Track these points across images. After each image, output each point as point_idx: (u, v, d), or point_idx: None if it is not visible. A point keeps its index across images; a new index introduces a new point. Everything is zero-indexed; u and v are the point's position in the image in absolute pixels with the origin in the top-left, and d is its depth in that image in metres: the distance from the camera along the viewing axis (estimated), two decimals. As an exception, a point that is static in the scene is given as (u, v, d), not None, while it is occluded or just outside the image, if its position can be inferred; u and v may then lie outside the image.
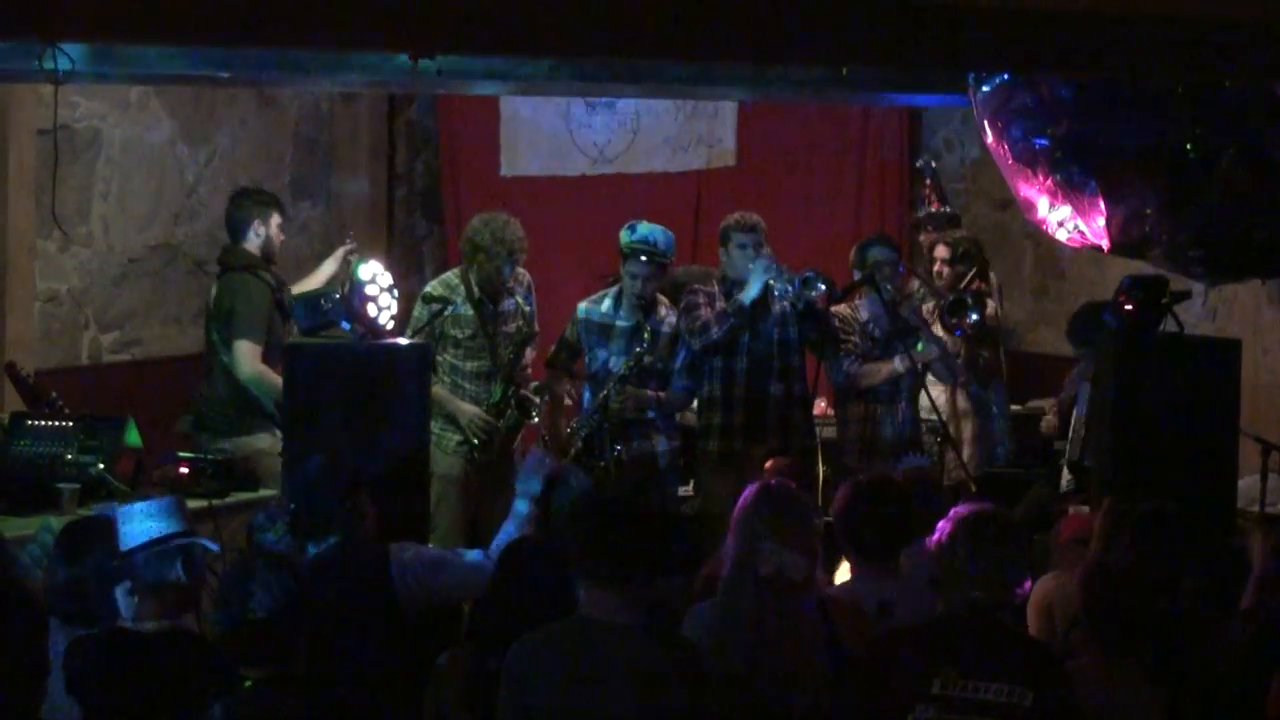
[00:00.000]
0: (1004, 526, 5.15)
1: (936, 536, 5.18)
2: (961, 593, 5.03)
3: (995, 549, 5.04)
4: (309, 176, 11.96)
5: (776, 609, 5.30)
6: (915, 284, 10.15)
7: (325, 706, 4.94)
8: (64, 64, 6.67)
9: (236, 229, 8.84)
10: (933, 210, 10.94)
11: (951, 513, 5.22)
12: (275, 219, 8.87)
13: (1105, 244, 8.01)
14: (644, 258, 8.84)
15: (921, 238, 11.04)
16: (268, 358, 8.51)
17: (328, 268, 9.32)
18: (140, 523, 5.44)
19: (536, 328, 9.15)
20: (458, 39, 6.82)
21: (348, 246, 9.39)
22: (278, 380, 8.28)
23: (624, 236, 8.91)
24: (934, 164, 11.15)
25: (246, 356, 8.49)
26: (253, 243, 8.77)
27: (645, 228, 8.88)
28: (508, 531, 6.44)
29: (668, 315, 9.06)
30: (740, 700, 5.24)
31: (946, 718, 4.84)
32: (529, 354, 9.15)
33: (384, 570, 6.14)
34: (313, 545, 6.20)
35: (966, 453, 9.76)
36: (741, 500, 5.58)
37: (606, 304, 9.08)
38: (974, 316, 9.40)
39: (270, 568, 5.02)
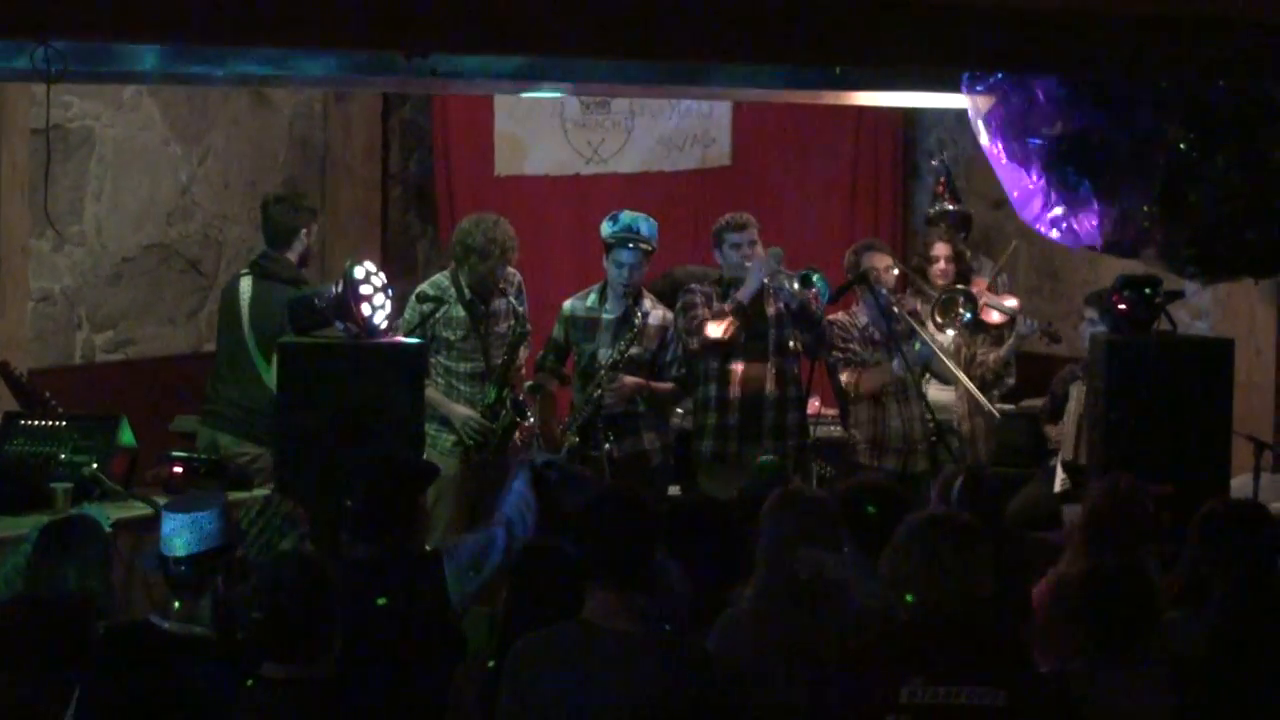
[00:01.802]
0: (958, 530, 5.07)
1: (893, 540, 5.13)
2: (922, 599, 4.96)
3: (952, 553, 4.95)
4: (303, 176, 11.93)
5: (812, 612, 5.30)
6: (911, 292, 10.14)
7: (349, 711, 4.89)
8: (56, 63, 6.66)
9: (282, 236, 8.75)
10: (947, 208, 10.96)
11: (905, 519, 5.17)
12: (314, 227, 8.90)
13: (1099, 244, 8.02)
14: (630, 245, 8.85)
15: (933, 235, 11.06)
16: None
17: None
18: (190, 533, 5.43)
19: (529, 326, 9.15)
20: (451, 37, 6.82)
21: None
22: None
23: (606, 228, 8.92)
24: (947, 162, 11.16)
25: None
26: (295, 251, 8.74)
27: (628, 216, 8.90)
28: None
29: (653, 307, 9.07)
30: (773, 704, 5.23)
31: None
32: (522, 354, 9.14)
33: (440, 576, 6.12)
34: (366, 546, 6.17)
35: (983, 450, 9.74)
36: (767, 509, 5.57)
37: (592, 298, 9.09)
38: (967, 316, 9.40)
39: (305, 565, 4.99)
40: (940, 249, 10.11)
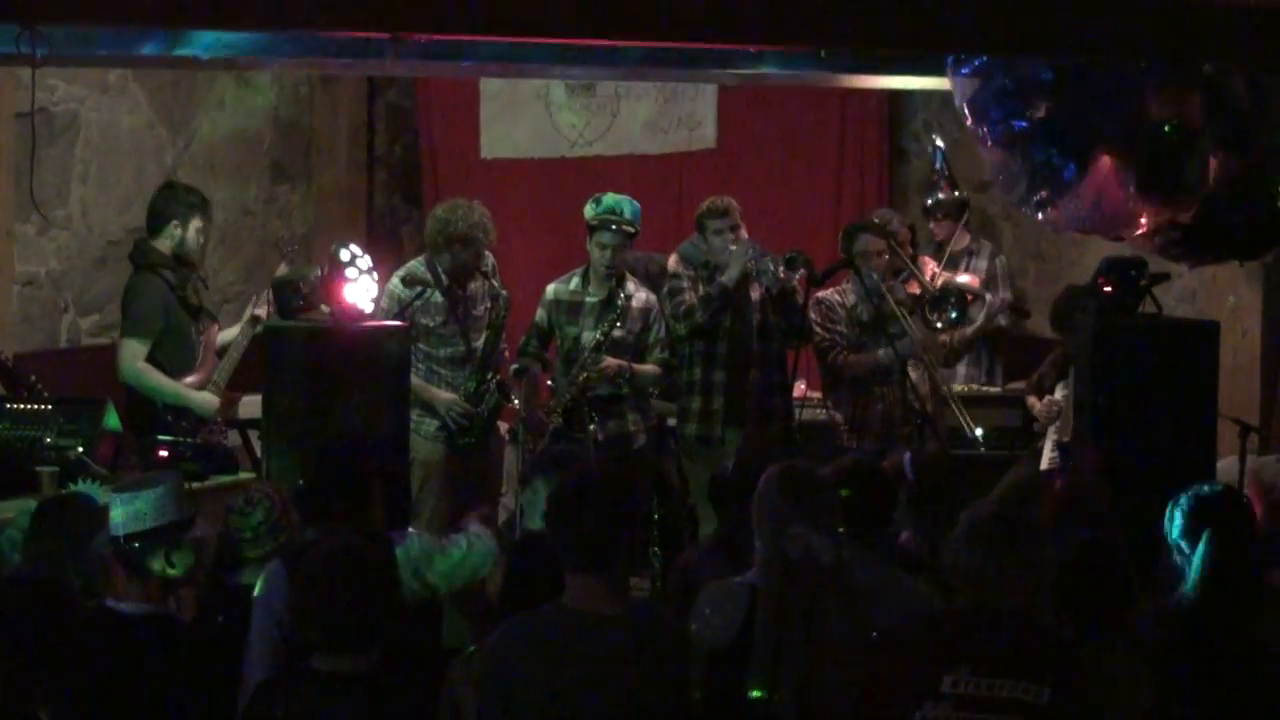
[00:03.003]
0: (1022, 528, 5.01)
1: (957, 533, 5.07)
2: (975, 594, 4.92)
3: (1014, 552, 4.89)
4: (288, 160, 11.93)
5: (805, 594, 5.30)
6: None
7: (397, 704, 4.84)
8: (41, 47, 6.64)
9: (153, 223, 8.59)
10: (940, 197, 10.99)
11: (964, 514, 5.12)
12: (196, 223, 8.58)
13: (1084, 226, 8.02)
14: (613, 227, 8.86)
15: (932, 225, 11.08)
16: (172, 358, 8.40)
17: (232, 331, 8.81)
18: (136, 510, 5.42)
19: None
20: (438, 19, 6.81)
21: (254, 305, 8.82)
22: (161, 380, 8.26)
23: (589, 210, 8.93)
24: (942, 147, 11.16)
25: (127, 356, 8.31)
26: (165, 242, 8.51)
27: (611, 198, 8.91)
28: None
29: (636, 289, 9.08)
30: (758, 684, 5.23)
31: (957, 716, 4.72)
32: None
33: (391, 564, 6.11)
34: (312, 530, 6.12)
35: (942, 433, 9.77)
36: (762, 483, 5.56)
37: (575, 281, 9.09)
38: (954, 315, 9.42)
39: (357, 558, 4.95)
40: (905, 233, 10.18)
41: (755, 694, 5.11)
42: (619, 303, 8.92)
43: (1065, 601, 5.35)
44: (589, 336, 8.93)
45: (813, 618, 5.28)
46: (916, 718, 4.73)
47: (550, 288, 9.16)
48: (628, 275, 9.11)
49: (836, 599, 5.35)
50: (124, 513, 5.43)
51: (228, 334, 8.76)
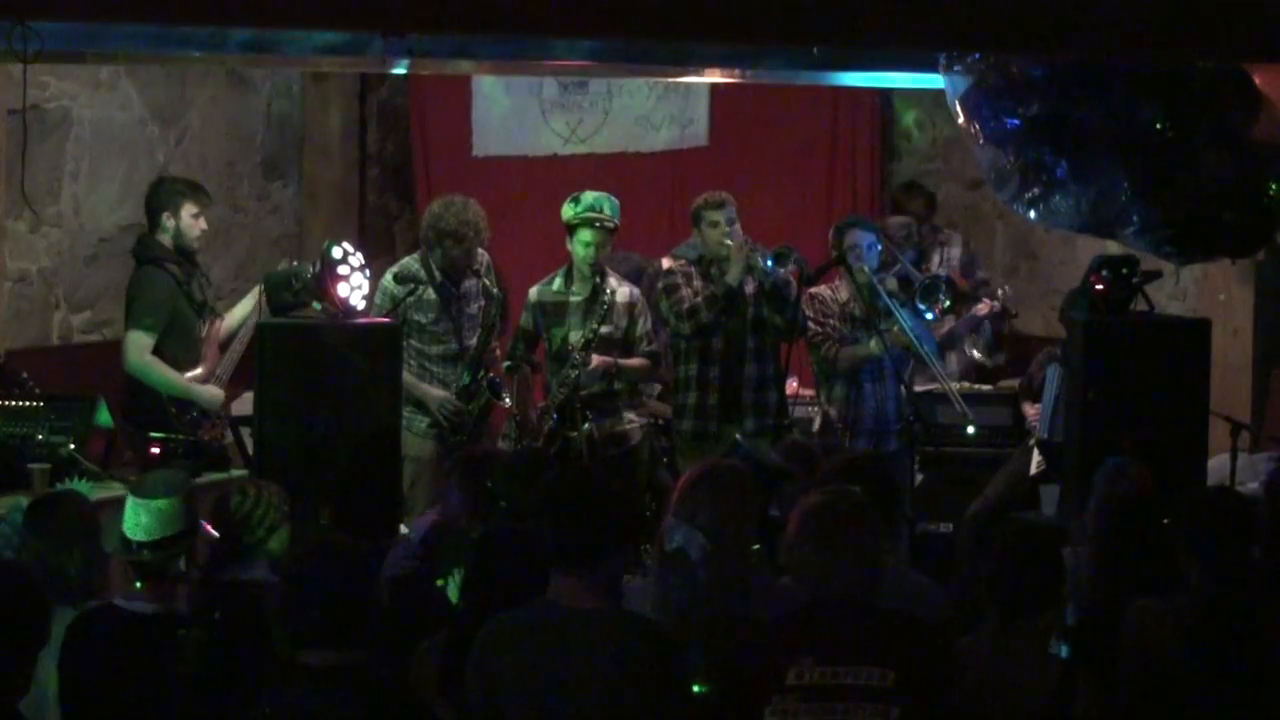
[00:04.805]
0: (850, 510, 5.03)
1: (789, 528, 5.10)
2: (816, 583, 4.94)
3: (845, 536, 4.92)
4: (280, 157, 11.92)
5: (674, 585, 5.33)
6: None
7: (383, 701, 4.80)
8: (33, 43, 6.64)
9: (149, 218, 8.61)
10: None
11: (799, 502, 5.14)
12: (188, 209, 8.55)
13: (1075, 224, 8.03)
14: (595, 225, 8.86)
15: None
16: (177, 353, 8.39)
17: (243, 308, 8.76)
18: (154, 517, 5.43)
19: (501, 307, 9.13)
20: (430, 17, 6.81)
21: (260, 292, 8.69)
22: (168, 374, 8.27)
23: (568, 210, 8.93)
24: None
25: (134, 348, 8.31)
26: (164, 235, 8.51)
27: (590, 196, 8.91)
28: None
29: (619, 284, 9.09)
30: None
31: (804, 707, 4.76)
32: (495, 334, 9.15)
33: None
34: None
35: None
36: (686, 480, 5.62)
37: (557, 282, 9.09)
38: (947, 302, 9.42)
39: (344, 551, 4.94)
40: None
41: (697, 689, 5.14)
42: (603, 299, 8.92)
43: (995, 590, 5.36)
44: (576, 335, 8.93)
45: (688, 607, 5.35)
46: (766, 713, 4.78)
47: (533, 291, 9.16)
48: (609, 271, 9.11)
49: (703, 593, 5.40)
50: (151, 518, 5.44)
51: (236, 313, 8.75)
